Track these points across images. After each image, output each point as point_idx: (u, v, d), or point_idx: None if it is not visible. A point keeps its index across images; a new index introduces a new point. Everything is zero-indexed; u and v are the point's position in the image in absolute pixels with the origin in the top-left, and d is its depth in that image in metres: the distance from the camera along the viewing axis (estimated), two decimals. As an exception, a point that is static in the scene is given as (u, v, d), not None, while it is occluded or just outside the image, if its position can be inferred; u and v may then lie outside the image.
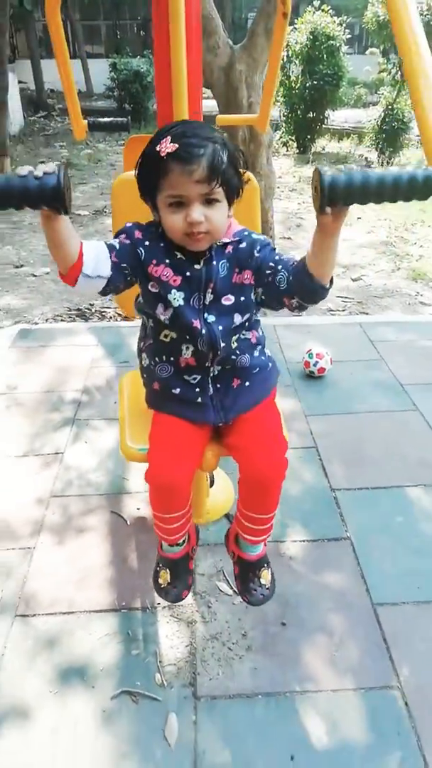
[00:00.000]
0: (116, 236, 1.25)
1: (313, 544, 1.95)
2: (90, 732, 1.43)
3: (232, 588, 1.80)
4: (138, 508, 2.11)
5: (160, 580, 1.52)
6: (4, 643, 1.64)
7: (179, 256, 1.22)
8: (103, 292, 1.23)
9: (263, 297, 1.27)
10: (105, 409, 2.67)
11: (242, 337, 1.31)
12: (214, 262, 1.23)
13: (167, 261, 1.22)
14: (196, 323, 1.24)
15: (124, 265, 1.21)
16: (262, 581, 1.46)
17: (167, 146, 1.11)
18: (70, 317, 3.84)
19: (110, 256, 1.19)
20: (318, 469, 2.29)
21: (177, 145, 1.11)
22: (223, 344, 1.26)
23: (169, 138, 1.12)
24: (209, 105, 4.83)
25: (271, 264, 1.23)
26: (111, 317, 3.83)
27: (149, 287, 1.25)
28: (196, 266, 1.22)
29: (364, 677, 1.54)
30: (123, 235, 1.24)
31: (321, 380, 2.89)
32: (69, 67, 1.91)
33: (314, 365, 2.86)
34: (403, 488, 2.19)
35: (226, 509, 2.07)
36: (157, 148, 1.12)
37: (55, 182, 0.97)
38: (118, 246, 1.21)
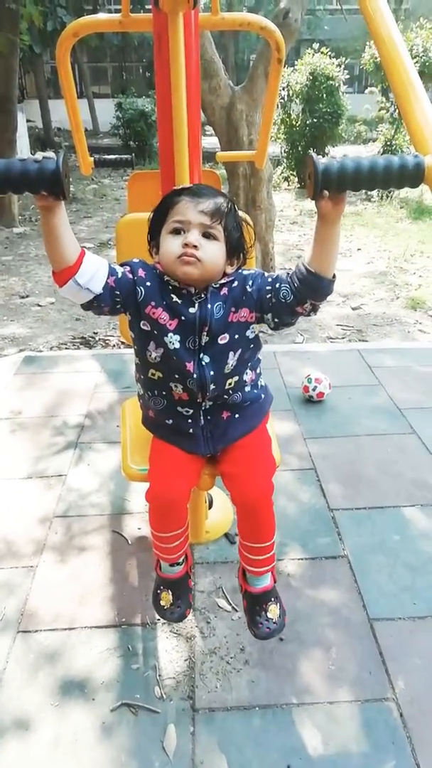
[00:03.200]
0: (121, 265, 1.28)
1: (311, 562, 1.99)
2: (90, 743, 1.45)
3: (231, 604, 1.83)
4: (139, 528, 2.15)
5: (162, 602, 1.52)
6: (6, 658, 1.67)
7: (175, 299, 1.25)
8: (87, 307, 1.24)
9: (276, 320, 1.28)
10: (107, 432, 2.73)
11: (240, 379, 1.33)
12: (209, 305, 1.25)
13: (164, 303, 1.25)
14: (190, 366, 1.26)
15: (118, 293, 1.24)
16: (269, 615, 1.45)
17: (183, 185, 1.28)
18: (74, 345, 3.93)
19: (107, 277, 1.22)
20: (316, 489, 2.34)
21: (192, 185, 1.28)
22: (213, 386, 1.28)
23: (187, 185, 1.29)
24: (212, 142, 5.01)
25: (268, 288, 1.26)
26: (114, 345, 3.92)
27: (141, 325, 1.27)
28: (191, 309, 1.24)
29: (360, 690, 1.56)
30: (128, 268, 1.27)
31: (320, 404, 2.95)
32: (77, 106, 2.03)
33: (313, 390, 2.92)
34: (399, 508, 2.23)
35: (225, 529, 2.11)
36: (174, 188, 1.26)
37: (54, 166, 1.00)
38: (120, 274, 1.25)
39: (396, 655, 1.65)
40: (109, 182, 10.03)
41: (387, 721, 1.48)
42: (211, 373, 1.28)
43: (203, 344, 1.27)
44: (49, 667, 1.64)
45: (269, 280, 1.28)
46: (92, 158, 2.18)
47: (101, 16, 1.80)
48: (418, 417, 2.81)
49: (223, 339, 1.28)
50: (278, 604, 1.49)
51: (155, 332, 1.26)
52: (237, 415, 1.38)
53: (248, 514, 1.38)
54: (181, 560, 1.51)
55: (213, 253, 1.23)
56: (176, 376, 1.29)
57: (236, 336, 1.29)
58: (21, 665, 1.65)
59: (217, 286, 1.27)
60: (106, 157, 2.29)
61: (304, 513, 2.21)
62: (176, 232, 1.23)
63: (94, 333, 4.10)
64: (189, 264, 1.21)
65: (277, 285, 1.25)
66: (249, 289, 1.27)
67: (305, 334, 4.03)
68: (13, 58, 6.68)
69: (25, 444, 2.67)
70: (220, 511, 2.14)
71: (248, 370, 1.36)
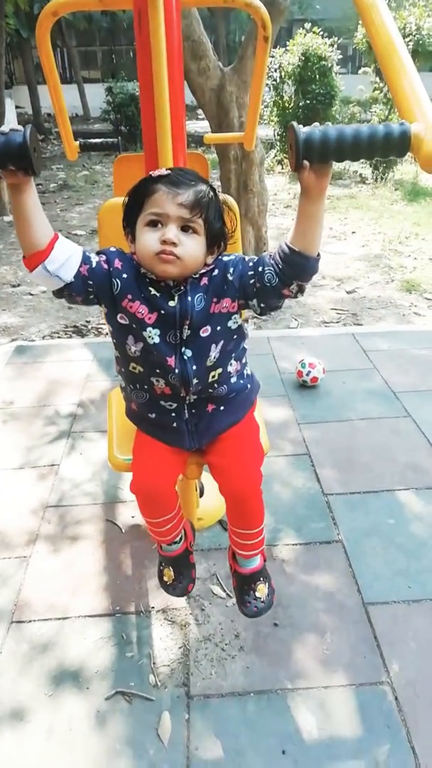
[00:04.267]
0: (97, 254, 1.22)
1: (305, 547, 1.98)
2: (84, 732, 1.45)
3: (225, 591, 1.83)
4: (132, 516, 2.14)
5: (165, 578, 1.56)
6: (0, 649, 1.66)
7: (153, 292, 1.19)
8: (59, 294, 1.19)
9: (262, 305, 1.22)
10: (100, 421, 2.71)
11: (224, 371, 1.29)
12: (189, 297, 1.19)
13: (142, 296, 1.19)
14: (170, 360, 1.21)
15: (91, 282, 1.18)
16: (257, 594, 1.47)
17: (160, 171, 1.17)
18: (66, 334, 3.90)
19: (80, 266, 1.17)
20: (310, 474, 2.33)
21: (169, 172, 1.17)
22: (195, 381, 1.24)
23: (164, 168, 1.19)
24: (205, 125, 4.94)
25: (250, 273, 1.20)
26: (107, 333, 3.87)
27: (118, 318, 1.21)
28: (171, 303, 1.19)
29: (354, 674, 1.56)
30: (103, 257, 1.20)
31: (314, 389, 2.93)
32: (59, 89, 1.99)
33: (307, 375, 2.90)
34: (393, 492, 2.22)
35: (219, 515, 2.10)
36: (151, 173, 1.17)
37: (22, 139, 0.95)
38: (94, 264, 1.19)
39: (391, 638, 1.65)
40: (101, 168, 9.92)
41: (381, 705, 1.48)
42: (194, 367, 1.23)
43: (185, 338, 1.22)
44: (43, 657, 1.64)
45: (251, 264, 1.21)
46: (78, 142, 2.14)
47: (81, -7, 1.75)
48: (412, 400, 2.80)
49: (205, 331, 1.22)
50: (267, 583, 1.50)
51: (134, 326, 1.21)
52: (222, 408, 1.34)
53: (237, 505, 1.37)
54: (179, 538, 1.51)
55: (192, 249, 1.16)
56: (157, 370, 1.24)
57: (218, 327, 1.23)
58: (15, 656, 1.64)
59: (197, 276, 1.21)
60: (92, 140, 2.25)
61: (298, 498, 2.20)
62: (153, 224, 1.15)
63: (87, 321, 4.07)
64: (167, 263, 1.15)
65: (260, 269, 1.19)
66: (230, 277, 1.21)
67: (299, 319, 4.00)
68: (-1, 42, 6.57)
69: (17, 434, 2.65)
70: (213, 498, 2.12)
71: (233, 361, 1.31)
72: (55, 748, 1.42)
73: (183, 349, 1.22)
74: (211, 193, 1.19)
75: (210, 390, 1.29)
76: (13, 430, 2.69)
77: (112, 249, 1.23)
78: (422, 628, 1.68)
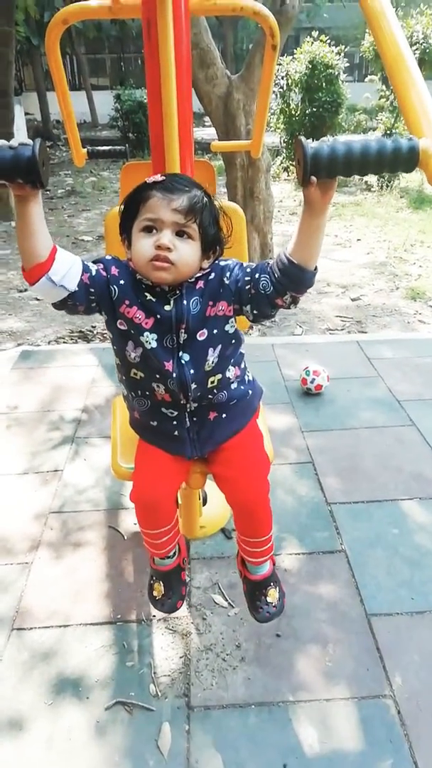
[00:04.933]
0: (94, 262, 1.23)
1: (308, 557, 1.97)
2: (84, 742, 1.44)
3: (227, 600, 1.82)
4: (135, 523, 2.13)
5: (155, 593, 1.54)
6: (0, 656, 1.65)
7: (149, 297, 1.20)
8: (60, 305, 1.19)
9: (255, 311, 1.22)
10: (104, 427, 2.70)
11: (222, 377, 1.28)
12: (185, 301, 1.19)
13: (139, 301, 1.20)
14: (168, 365, 1.21)
15: (93, 290, 1.19)
16: (269, 599, 1.47)
17: (155, 177, 1.17)
18: (72, 339, 3.90)
19: (81, 274, 1.17)
20: (314, 483, 2.31)
21: (164, 178, 1.17)
22: (194, 386, 1.24)
23: (159, 175, 1.19)
24: (212, 133, 4.96)
25: (247, 278, 1.20)
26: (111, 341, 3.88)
27: (117, 325, 1.22)
28: (167, 307, 1.19)
29: (357, 686, 1.55)
30: (101, 266, 1.21)
31: (318, 397, 2.92)
32: (68, 96, 1.99)
33: (311, 382, 2.89)
34: (397, 501, 2.20)
35: (222, 524, 2.09)
36: (147, 180, 1.17)
37: (30, 153, 0.96)
38: (93, 272, 1.19)
39: (394, 651, 1.63)
40: (108, 175, 9.96)
41: (384, 719, 1.46)
42: (191, 371, 1.23)
43: (181, 342, 1.22)
44: (44, 665, 1.63)
45: (248, 270, 1.21)
46: (85, 149, 2.15)
47: (91, 2, 1.76)
48: (417, 409, 2.79)
49: (202, 335, 1.22)
50: (277, 587, 1.50)
51: (132, 331, 1.21)
52: (224, 415, 1.33)
53: (245, 515, 1.37)
54: (172, 553, 1.50)
55: (187, 254, 1.16)
56: (157, 375, 1.24)
57: (215, 331, 1.23)
58: (15, 663, 1.63)
59: (193, 280, 1.21)
60: (100, 148, 2.26)
61: (301, 507, 2.19)
62: (148, 230, 1.16)
63: (92, 327, 4.07)
64: (162, 270, 1.15)
65: (257, 275, 1.19)
66: (226, 281, 1.21)
67: (304, 326, 3.99)
68: (9, 49, 6.62)
69: (21, 439, 2.65)
70: (216, 507, 2.12)
71: (231, 367, 1.30)
72: (55, 758, 1.41)
73: (180, 353, 1.22)
74: (206, 199, 1.20)
75: (210, 396, 1.29)
76: (17, 435, 2.68)
77: (108, 257, 1.25)
78: (425, 641, 1.66)
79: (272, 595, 1.47)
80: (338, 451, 2.50)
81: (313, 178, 1.00)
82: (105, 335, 3.95)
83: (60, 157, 12.02)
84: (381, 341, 3.57)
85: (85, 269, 1.18)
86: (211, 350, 1.24)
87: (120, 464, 1.53)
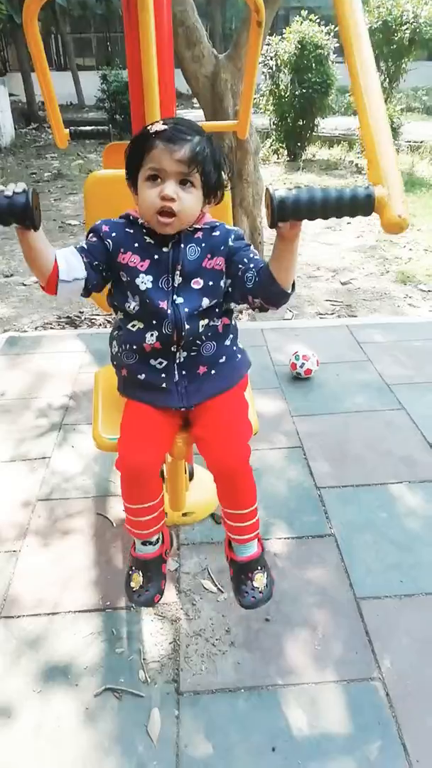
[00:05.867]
0: (86, 236, 1.30)
1: (297, 541, 1.97)
2: (73, 729, 1.44)
3: (216, 585, 1.81)
4: (123, 510, 2.11)
5: (132, 583, 1.46)
6: (-11, 644, 1.64)
7: (147, 240, 1.27)
8: (86, 293, 1.28)
9: (229, 288, 1.31)
10: (92, 414, 2.67)
11: (211, 323, 1.33)
12: (182, 245, 1.26)
13: (135, 246, 1.27)
14: (163, 304, 1.26)
15: (97, 263, 1.26)
16: (255, 584, 1.42)
17: (157, 126, 1.21)
18: (59, 325, 3.86)
19: (81, 258, 1.24)
20: (303, 467, 2.31)
21: (167, 127, 1.20)
22: (188, 326, 1.28)
23: (161, 122, 1.23)
24: (199, 115, 4.88)
25: (245, 260, 1.27)
26: (100, 324, 3.85)
27: (120, 277, 1.28)
28: (164, 249, 1.26)
29: (346, 669, 1.55)
30: (91, 234, 1.29)
31: (308, 382, 2.91)
32: (48, 76, 1.94)
33: (301, 367, 2.88)
34: (386, 485, 2.21)
35: (212, 509, 2.08)
36: (149, 128, 1.22)
37: (24, 201, 1.04)
38: (87, 246, 1.26)
39: (382, 634, 1.64)
40: (95, 157, 9.81)
41: (373, 701, 1.47)
42: (186, 310, 1.28)
43: (176, 285, 1.28)
44: (32, 653, 1.62)
45: (250, 255, 1.28)
46: (68, 130, 2.10)
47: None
48: (406, 393, 2.78)
49: (197, 283, 1.28)
50: (266, 572, 1.46)
51: (130, 279, 1.27)
52: (213, 371, 1.37)
53: (226, 481, 1.35)
54: (155, 539, 1.46)
55: (189, 202, 1.22)
56: (153, 321, 1.29)
57: (210, 283, 1.29)
58: (3, 652, 1.63)
59: (191, 229, 1.28)
60: (82, 128, 2.21)
61: (290, 491, 2.18)
62: (152, 179, 1.21)
63: (80, 312, 4.03)
64: (167, 224, 1.22)
65: (251, 265, 1.26)
66: (231, 243, 1.29)
67: (294, 310, 3.97)
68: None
69: (7, 426, 2.62)
70: (206, 491, 2.10)
71: (223, 316, 1.36)
72: (44, 745, 1.41)
73: (174, 296, 1.28)
74: (208, 145, 1.23)
75: (198, 342, 1.32)
76: (4, 422, 2.66)
77: (97, 222, 1.30)
78: (414, 623, 1.67)
79: (259, 580, 1.43)
80: (328, 435, 2.50)
81: (280, 224, 1.09)
82: (93, 321, 3.91)
83: (46, 139, 11.82)
84: (371, 325, 3.55)
85: (80, 251, 1.25)
86: (205, 300, 1.30)
87: (101, 434, 1.52)
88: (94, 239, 1.28)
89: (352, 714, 1.45)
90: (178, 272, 1.27)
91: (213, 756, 1.37)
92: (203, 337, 1.33)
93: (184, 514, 1.99)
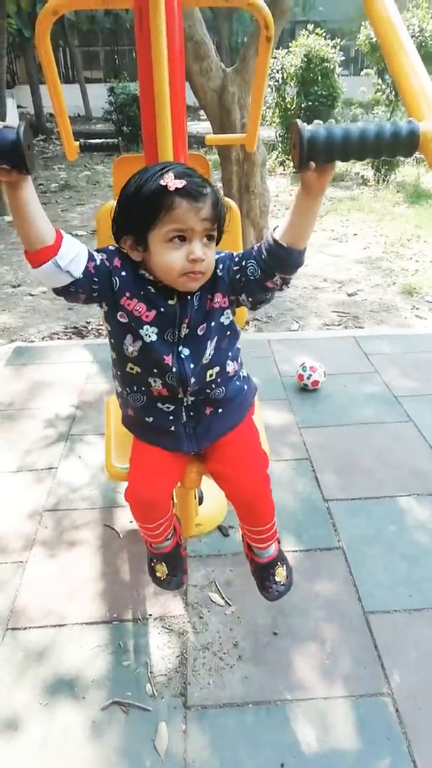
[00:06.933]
0: (97, 251, 1.21)
1: (305, 554, 1.96)
2: (79, 743, 1.43)
3: (224, 598, 1.80)
4: (131, 521, 2.11)
5: (158, 573, 1.57)
6: (-5, 656, 1.64)
7: (152, 290, 1.18)
8: (62, 291, 1.16)
9: (250, 299, 1.21)
10: (99, 424, 2.68)
11: (220, 370, 1.27)
12: (189, 296, 1.19)
13: (142, 294, 1.18)
14: (168, 359, 1.20)
15: (96, 280, 1.17)
16: (277, 578, 1.50)
17: (174, 182, 1.09)
18: (66, 335, 3.87)
19: (88, 262, 1.15)
20: (311, 480, 2.30)
21: (185, 182, 1.09)
22: (193, 380, 1.23)
23: (172, 174, 1.09)
24: (207, 127, 4.92)
25: (236, 268, 1.19)
26: (107, 335, 3.85)
27: (117, 317, 1.20)
28: (170, 301, 1.18)
29: (355, 685, 1.54)
30: (104, 256, 1.19)
31: (315, 393, 2.91)
32: (59, 89, 1.96)
33: (308, 378, 2.88)
34: (395, 498, 2.19)
35: (218, 521, 2.08)
36: (163, 183, 1.09)
37: (14, 137, 0.92)
38: (98, 261, 1.18)
39: (392, 648, 1.62)
40: (103, 169, 9.89)
41: (382, 717, 1.45)
42: (191, 365, 1.22)
43: (182, 336, 1.21)
44: (39, 665, 1.61)
45: (236, 259, 1.21)
46: (78, 142, 2.12)
47: (82, -8, 1.73)
48: (414, 405, 2.77)
49: (202, 329, 1.22)
50: (284, 564, 1.52)
51: (132, 324, 1.20)
52: (220, 410, 1.32)
53: (246, 509, 1.38)
54: (170, 535, 1.50)
55: (212, 258, 1.17)
56: (155, 370, 1.23)
57: (212, 323, 1.23)
58: (10, 664, 1.62)
59: None
60: (92, 141, 2.23)
61: (298, 504, 2.17)
62: (175, 239, 1.11)
63: (87, 323, 4.04)
64: (196, 281, 1.15)
65: (244, 263, 1.18)
66: (219, 273, 1.21)
67: (300, 321, 3.97)
68: (0, 42, 6.55)
69: (14, 436, 2.62)
70: (212, 504, 2.10)
71: (230, 362, 1.30)
72: (50, 759, 1.40)
73: (180, 347, 1.21)
74: (219, 195, 1.17)
75: (207, 390, 1.28)
76: (11, 432, 2.66)
77: (111, 248, 1.22)
78: (424, 638, 1.65)
79: (280, 574, 1.49)
80: (335, 447, 2.49)
81: (311, 163, 0.98)
82: (100, 331, 3.92)
83: (54, 151, 11.94)
84: (378, 337, 3.55)
85: (91, 258, 1.17)
86: (209, 343, 1.23)
87: (114, 465, 1.52)
88: (106, 264, 1.18)
89: (361, 730, 1.43)
90: (185, 325, 1.20)
91: (221, 772, 1.36)
92: (213, 385, 1.28)
93: (192, 526, 1.99)
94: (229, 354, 1.30)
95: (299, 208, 1.09)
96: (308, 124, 0.98)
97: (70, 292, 1.17)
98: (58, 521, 2.12)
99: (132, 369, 1.26)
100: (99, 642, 1.67)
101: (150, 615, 1.75)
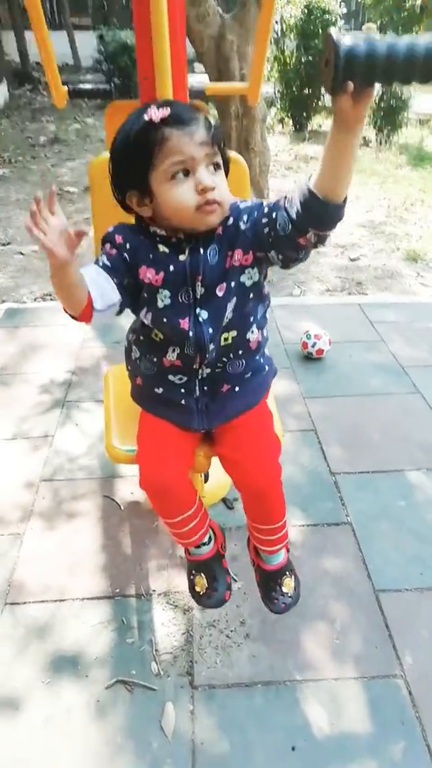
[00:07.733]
0: (102, 246, 1.14)
1: (312, 529, 1.90)
2: (83, 722, 1.38)
3: (230, 574, 1.74)
4: (132, 493, 2.04)
5: (197, 588, 1.45)
6: (-6, 632, 1.58)
7: (162, 249, 1.10)
8: (120, 313, 1.15)
9: (280, 256, 1.08)
10: (95, 390, 2.58)
11: (238, 336, 1.18)
12: (201, 250, 1.09)
13: (150, 257, 1.11)
14: (184, 323, 1.12)
15: (126, 281, 1.11)
16: (284, 589, 1.40)
17: (158, 112, 1.00)
18: (60, 296, 3.73)
19: (112, 280, 1.08)
20: (317, 452, 2.24)
21: (169, 109, 1.00)
22: (212, 346, 1.15)
23: (154, 107, 1.01)
24: (199, 79, 4.69)
25: (265, 220, 1.06)
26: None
27: (142, 291, 1.14)
28: (181, 257, 1.09)
29: (366, 665, 1.50)
30: (108, 245, 1.12)
31: (319, 362, 2.82)
32: (46, 33, 1.79)
33: (312, 346, 2.79)
34: (404, 472, 2.14)
35: (223, 494, 2.01)
36: (146, 117, 1.00)
37: None
38: (110, 263, 1.10)
39: (403, 628, 1.58)
40: (93, 122, 9.50)
41: (395, 700, 1.42)
42: (210, 330, 1.12)
43: (198, 297, 1.11)
44: (39, 641, 1.56)
45: (265, 210, 1.06)
46: (66, 87, 1.95)
47: None
48: (422, 375, 2.70)
49: (221, 289, 1.11)
50: (293, 575, 1.42)
51: (147, 294, 1.12)
52: (237, 388, 1.24)
53: (256, 501, 1.28)
54: (207, 539, 1.41)
55: (225, 187, 1.06)
56: (175, 338, 1.14)
57: (232, 284, 1.12)
58: (10, 640, 1.56)
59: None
60: (82, 86, 2.07)
61: (304, 477, 2.11)
62: (176, 174, 1.02)
63: (81, 283, 3.90)
64: (212, 213, 1.04)
65: (275, 214, 1.04)
66: (243, 226, 1.09)
67: (302, 286, 3.86)
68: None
69: (8, 403, 2.52)
70: (215, 477, 2.03)
71: (253, 329, 1.19)
72: (54, 738, 1.35)
73: (198, 309, 1.11)
74: (209, 120, 1.06)
75: (225, 359, 1.18)
76: (4, 398, 2.56)
77: (109, 230, 1.13)
78: (435, 617, 1.62)
79: (288, 585, 1.40)
80: (341, 418, 2.42)
81: (349, 83, 0.81)
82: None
83: (41, 102, 11.44)
84: (383, 304, 3.45)
85: (105, 269, 1.09)
86: (228, 305, 1.13)
87: (115, 446, 1.42)
88: (113, 251, 1.11)
89: (373, 712, 1.40)
90: (198, 282, 1.10)
91: (230, 754, 1.32)
92: (231, 354, 1.19)
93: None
94: (251, 320, 1.19)
95: (333, 147, 0.93)
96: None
97: (124, 308, 1.14)
98: (56, 492, 2.05)
99: (156, 335, 1.18)
100: (101, 618, 1.62)
101: (154, 590, 1.69)
